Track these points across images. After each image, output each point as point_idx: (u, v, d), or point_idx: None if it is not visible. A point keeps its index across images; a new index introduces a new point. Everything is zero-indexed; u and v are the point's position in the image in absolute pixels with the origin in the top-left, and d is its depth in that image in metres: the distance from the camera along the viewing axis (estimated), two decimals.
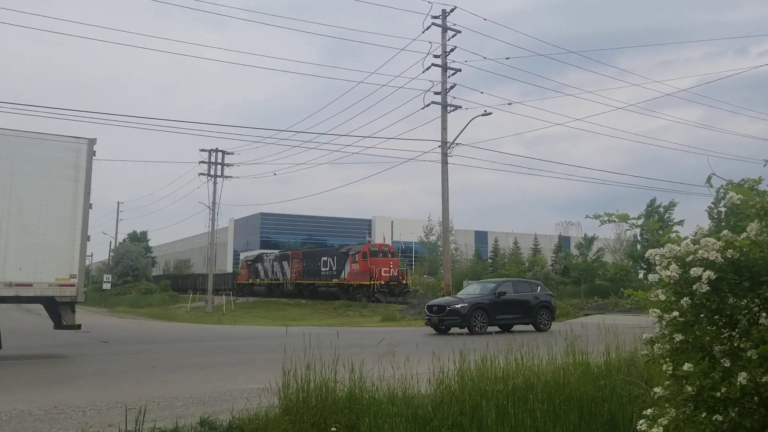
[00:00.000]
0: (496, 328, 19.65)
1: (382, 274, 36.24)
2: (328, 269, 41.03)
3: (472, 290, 21.67)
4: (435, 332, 19.66)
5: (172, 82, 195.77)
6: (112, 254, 67.82)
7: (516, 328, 20.11)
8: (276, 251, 56.87)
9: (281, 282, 46.63)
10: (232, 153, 42.93)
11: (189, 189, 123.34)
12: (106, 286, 57.27)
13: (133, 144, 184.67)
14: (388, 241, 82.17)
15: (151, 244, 77.23)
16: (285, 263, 47.02)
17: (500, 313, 19.69)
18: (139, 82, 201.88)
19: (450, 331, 19.50)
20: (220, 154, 42.73)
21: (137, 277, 62.72)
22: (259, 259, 52.59)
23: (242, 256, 67.01)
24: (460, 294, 22.17)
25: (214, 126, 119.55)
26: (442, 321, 19.42)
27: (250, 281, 51.64)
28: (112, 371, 11.26)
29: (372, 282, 36.06)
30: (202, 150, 42.80)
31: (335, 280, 39.70)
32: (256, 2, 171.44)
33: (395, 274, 37.02)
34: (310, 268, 43.35)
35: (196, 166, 43.05)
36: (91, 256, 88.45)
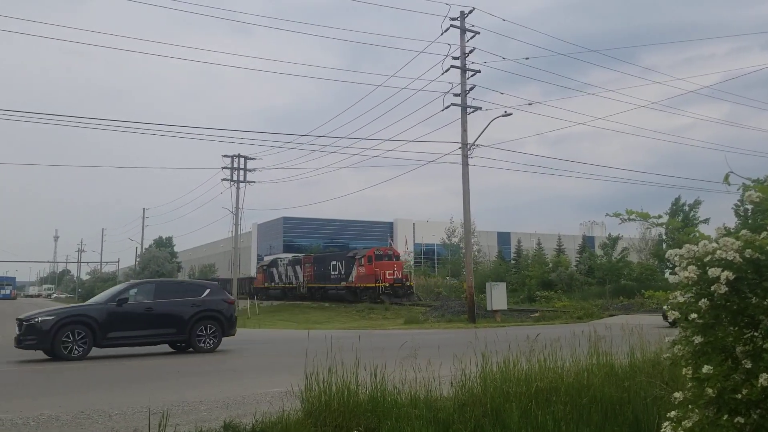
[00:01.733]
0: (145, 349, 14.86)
1: (387, 276, 38.07)
2: (337, 273, 43.06)
3: (96, 298, 16.14)
4: (48, 357, 13.63)
5: (195, 89, 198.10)
6: (138, 260, 68.61)
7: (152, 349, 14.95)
8: (290, 255, 58.39)
9: (294, 285, 48.98)
10: (255, 158, 43.30)
11: (212, 194, 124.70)
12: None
13: (157, 151, 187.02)
14: (410, 244, 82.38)
15: (176, 249, 77.90)
16: (298, 267, 49.20)
17: (120, 329, 14.07)
18: (162, 89, 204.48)
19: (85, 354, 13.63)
20: (242, 159, 43.08)
21: None
22: (273, 263, 55.04)
23: (266, 259, 68.20)
24: (88, 302, 16.64)
25: (236, 132, 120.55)
26: (20, 341, 13.49)
27: (266, 285, 53.72)
28: (138, 376, 11.40)
29: (377, 284, 37.92)
30: (224, 156, 43.19)
31: (343, 283, 41.80)
32: (276, 9, 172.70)
33: (399, 277, 38.84)
34: (320, 272, 45.35)
35: (219, 171, 43.39)
36: (118, 261, 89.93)
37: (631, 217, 38.28)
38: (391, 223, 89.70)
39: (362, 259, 39.87)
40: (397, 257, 41.83)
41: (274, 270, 53.07)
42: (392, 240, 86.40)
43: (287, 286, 50.18)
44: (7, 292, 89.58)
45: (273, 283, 52.49)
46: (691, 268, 3.09)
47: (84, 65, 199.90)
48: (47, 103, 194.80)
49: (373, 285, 38.06)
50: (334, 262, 44.05)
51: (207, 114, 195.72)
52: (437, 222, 71.40)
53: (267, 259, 63.84)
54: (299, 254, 59.44)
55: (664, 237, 44.47)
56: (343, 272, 42.13)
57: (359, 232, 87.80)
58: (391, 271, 38.46)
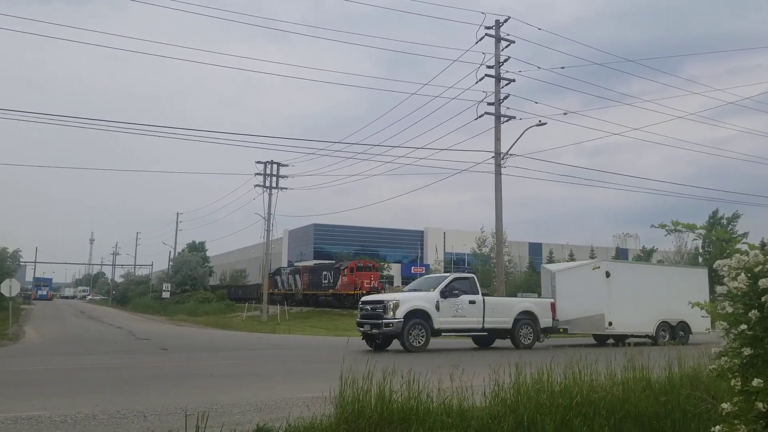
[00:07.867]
0: None
1: (365, 285, 42.94)
2: (327, 282, 48.15)
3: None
4: None
5: (233, 95, 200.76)
6: (171, 263, 69.50)
7: None
8: (294, 265, 62.16)
9: (293, 292, 54.36)
10: (287, 165, 43.64)
11: (245, 200, 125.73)
12: (166, 294, 58.84)
13: (192, 156, 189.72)
14: (441, 252, 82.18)
15: (208, 254, 78.74)
16: (297, 276, 54.75)
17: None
18: (200, 96, 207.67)
19: None
20: (275, 166, 43.44)
21: (195, 287, 64.02)
22: (278, 272, 60.29)
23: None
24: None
25: (270, 138, 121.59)
26: None
27: (270, 291, 56.58)
28: (172, 378, 11.53)
29: (356, 292, 42.21)
30: (258, 162, 43.62)
31: (331, 291, 47.04)
32: (316, 17, 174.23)
33: (375, 286, 43.82)
34: (314, 280, 50.63)
35: (252, 177, 43.94)
36: (152, 265, 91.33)
37: (678, 227, 37.53)
38: (422, 232, 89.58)
39: (345, 270, 45.39)
40: (376, 269, 47.63)
41: (278, 278, 58.16)
42: (421, 251, 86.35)
43: (288, 292, 55.25)
44: (44, 293, 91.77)
45: (276, 290, 57.07)
46: (741, 278, 3.01)
47: (124, 71, 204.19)
48: (93, 108, 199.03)
49: (353, 292, 42.56)
50: (324, 272, 49.15)
51: (243, 120, 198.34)
52: (468, 231, 71.12)
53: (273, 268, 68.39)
54: (299, 264, 65.44)
55: (701, 250, 43.59)
56: (331, 281, 47.31)
57: (389, 240, 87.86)
58: (369, 281, 43.71)
